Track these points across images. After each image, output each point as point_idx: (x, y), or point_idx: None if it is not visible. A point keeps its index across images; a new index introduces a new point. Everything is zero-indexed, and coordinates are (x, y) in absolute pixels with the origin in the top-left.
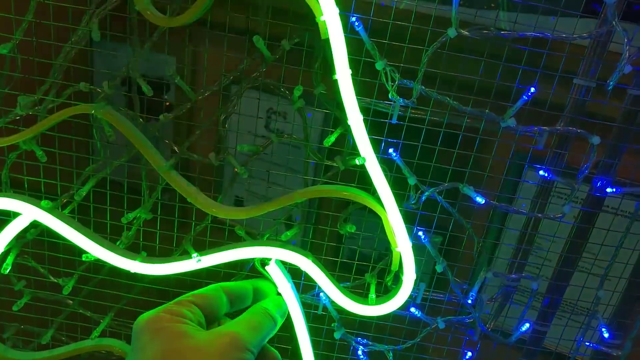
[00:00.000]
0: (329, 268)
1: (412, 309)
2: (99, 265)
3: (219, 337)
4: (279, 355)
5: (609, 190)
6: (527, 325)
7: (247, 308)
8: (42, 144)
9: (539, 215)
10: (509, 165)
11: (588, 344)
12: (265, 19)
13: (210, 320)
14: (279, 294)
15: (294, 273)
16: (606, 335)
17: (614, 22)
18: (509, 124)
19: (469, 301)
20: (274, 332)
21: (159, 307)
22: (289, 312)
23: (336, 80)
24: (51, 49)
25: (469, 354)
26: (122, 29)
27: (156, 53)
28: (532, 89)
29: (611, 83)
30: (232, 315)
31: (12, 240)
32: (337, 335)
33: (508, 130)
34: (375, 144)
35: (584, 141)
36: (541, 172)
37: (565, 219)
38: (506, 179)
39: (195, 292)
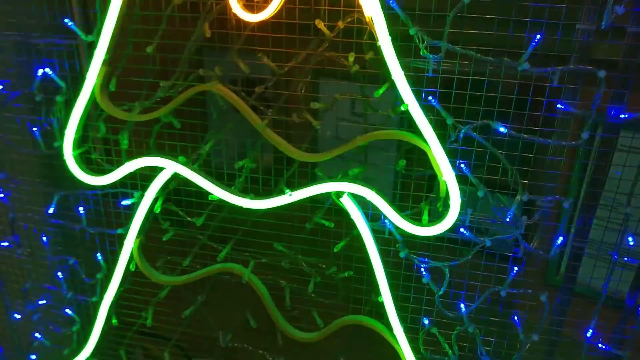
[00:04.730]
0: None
1: (462, 229)
2: (221, 206)
3: None
4: None
5: (622, 116)
6: (561, 238)
7: None
8: (176, 116)
9: (561, 142)
10: (530, 103)
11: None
12: (324, 6)
13: None
14: None
15: (363, 204)
16: (632, 243)
17: None
18: (524, 67)
19: (507, 220)
20: None
21: None
22: None
23: (380, 46)
24: (178, 46)
25: (515, 269)
26: (225, 27)
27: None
28: (538, 36)
29: (603, 23)
30: None
31: (159, 190)
32: (402, 254)
33: (525, 72)
34: (417, 94)
35: (594, 81)
36: (558, 105)
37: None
38: (529, 114)
39: None
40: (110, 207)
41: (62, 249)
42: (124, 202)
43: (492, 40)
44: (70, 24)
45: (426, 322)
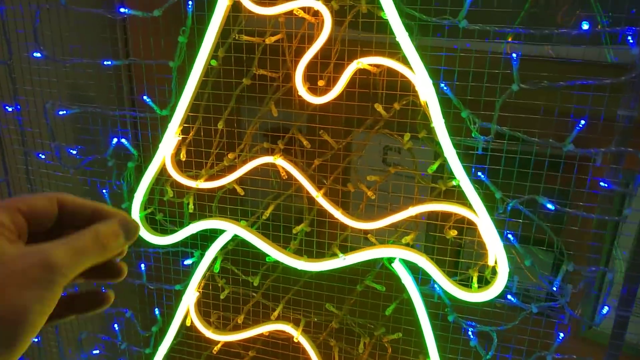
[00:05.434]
0: (440, 265)
1: (509, 297)
2: (276, 266)
3: (29, 255)
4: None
5: None
6: (607, 308)
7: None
8: (239, 182)
9: (605, 217)
10: (574, 180)
11: None
12: (382, 90)
13: (36, 232)
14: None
15: (413, 269)
16: None
17: None
18: (569, 148)
19: (554, 289)
20: (104, 257)
21: None
22: (137, 230)
23: (433, 127)
24: (244, 121)
25: (561, 335)
26: (289, 107)
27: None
28: (582, 122)
29: None
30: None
31: (218, 250)
32: (450, 318)
33: (570, 152)
34: (467, 170)
35: (635, 157)
36: (602, 184)
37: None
38: (575, 190)
39: (27, 198)
40: (170, 265)
41: (120, 302)
42: (186, 262)
43: (536, 121)
44: (147, 99)
45: None
